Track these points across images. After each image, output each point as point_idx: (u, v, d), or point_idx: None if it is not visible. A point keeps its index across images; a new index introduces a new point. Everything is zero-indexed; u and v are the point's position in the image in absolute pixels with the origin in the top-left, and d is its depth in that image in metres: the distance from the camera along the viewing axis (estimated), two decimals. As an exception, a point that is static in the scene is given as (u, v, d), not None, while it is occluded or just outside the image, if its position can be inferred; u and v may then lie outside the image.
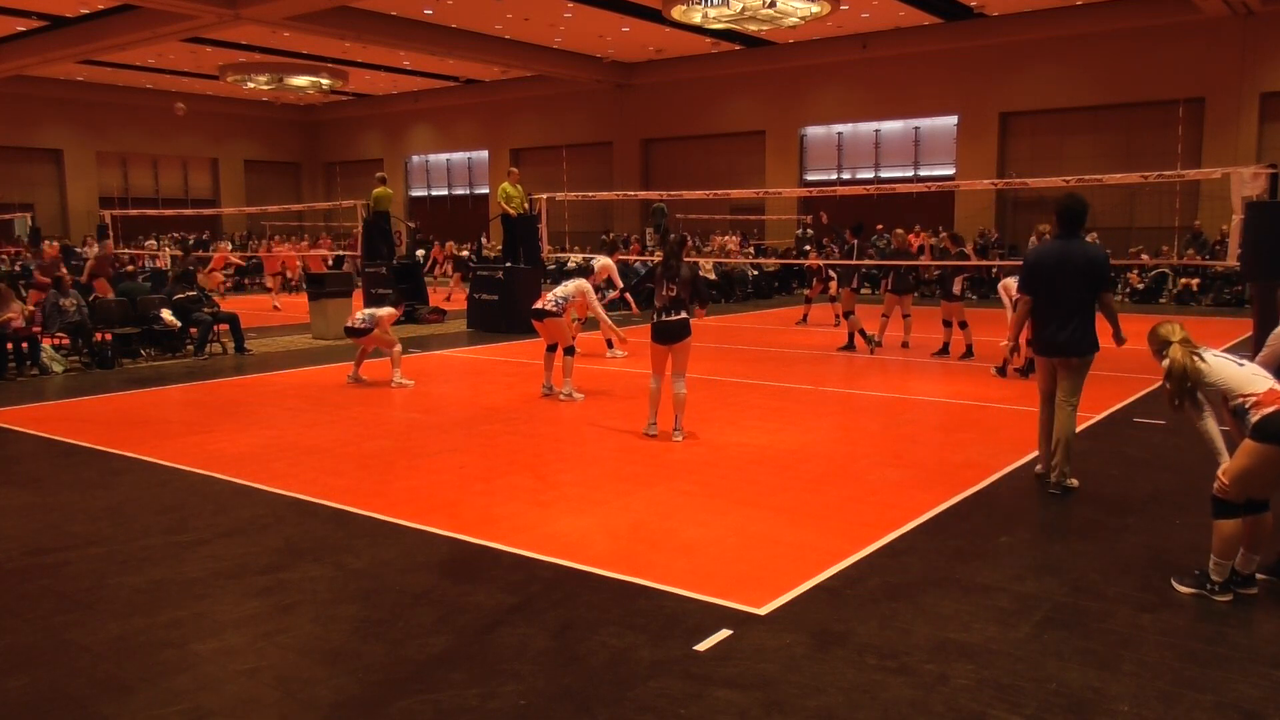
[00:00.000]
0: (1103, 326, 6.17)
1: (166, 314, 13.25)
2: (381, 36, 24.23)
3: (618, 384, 10.59)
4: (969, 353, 12.21)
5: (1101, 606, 4.42)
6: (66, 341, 12.57)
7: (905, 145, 27.06)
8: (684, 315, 7.74)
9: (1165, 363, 4.57)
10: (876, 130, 27.49)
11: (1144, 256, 21.09)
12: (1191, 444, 6.42)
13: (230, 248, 28.86)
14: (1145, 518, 5.73)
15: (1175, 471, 6.75)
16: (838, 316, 14.81)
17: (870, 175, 27.55)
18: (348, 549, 5.30)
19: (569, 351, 9.70)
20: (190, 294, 13.84)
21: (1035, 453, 7.19)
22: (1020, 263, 6.97)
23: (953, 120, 25.96)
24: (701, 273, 22.19)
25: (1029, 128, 25.01)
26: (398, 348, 10.70)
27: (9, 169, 31.93)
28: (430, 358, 13.13)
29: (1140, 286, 20.57)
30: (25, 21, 24.10)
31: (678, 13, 20.14)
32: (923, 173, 26.62)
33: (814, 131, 28.53)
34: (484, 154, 35.79)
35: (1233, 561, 4.47)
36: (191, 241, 28.42)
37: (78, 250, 25.48)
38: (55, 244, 23.55)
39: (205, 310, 13.68)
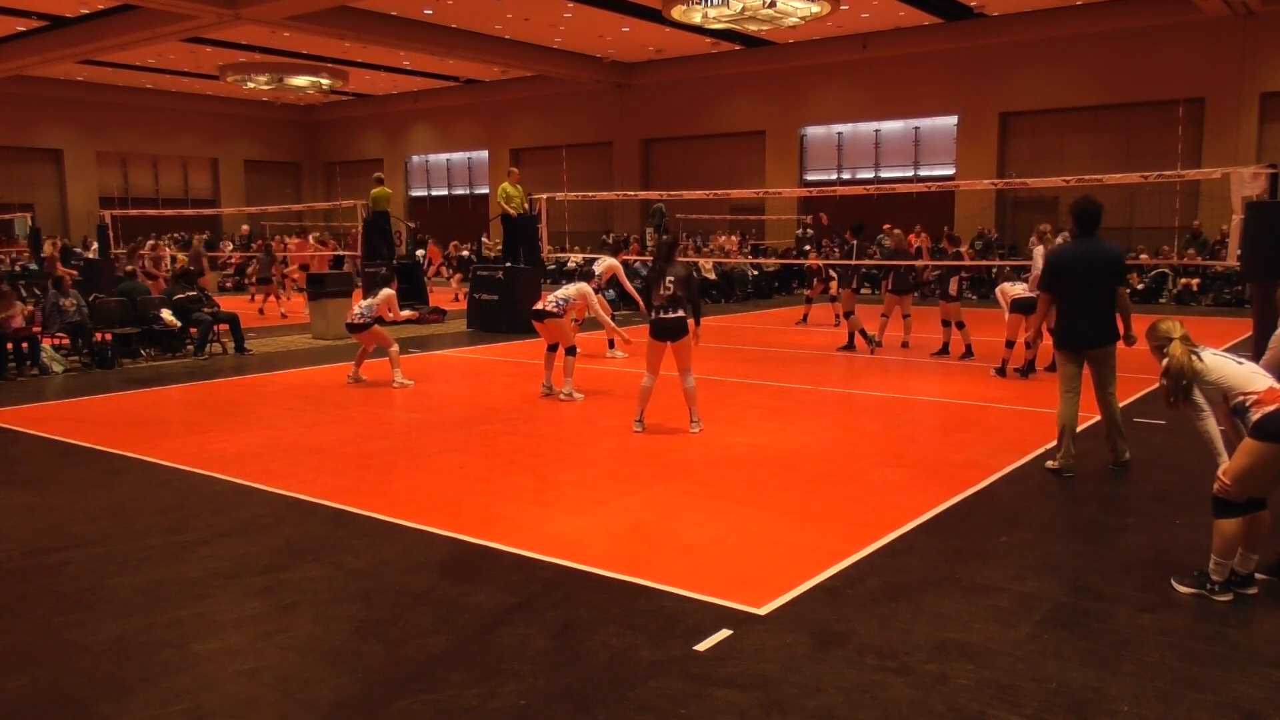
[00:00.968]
0: None
1: (166, 314, 13.25)
2: (381, 36, 24.23)
3: (618, 384, 10.59)
4: (969, 353, 12.21)
5: (1101, 606, 4.42)
6: (66, 341, 12.58)
7: (905, 145, 27.06)
8: (681, 313, 7.82)
9: (1164, 361, 4.56)
10: (876, 130, 27.48)
11: (1144, 256, 21.09)
12: (1191, 444, 6.42)
13: (231, 247, 28.92)
14: (1145, 518, 5.73)
15: (1175, 471, 6.75)
16: (838, 316, 14.82)
17: (870, 175, 27.55)
18: (348, 549, 5.30)
19: (570, 351, 9.71)
20: (190, 294, 13.84)
21: (1036, 452, 7.22)
22: (1020, 262, 7.09)
23: (953, 120, 25.96)
24: (703, 273, 22.26)
25: (1029, 128, 25.01)
26: (395, 348, 10.69)
27: (9, 169, 31.93)
28: (430, 358, 13.12)
29: (1140, 286, 20.55)
30: (25, 21, 24.09)
31: (678, 13, 20.14)
32: (923, 173, 26.62)
33: (814, 131, 28.53)
34: (484, 154, 35.79)
35: (1233, 561, 4.47)
36: (206, 237, 28.46)
37: (77, 250, 25.48)
38: (57, 242, 23.58)
39: (205, 310, 13.68)
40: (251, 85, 30.14)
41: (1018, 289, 10.72)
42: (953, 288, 12.40)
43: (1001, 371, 10.83)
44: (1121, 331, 6.55)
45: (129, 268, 18.12)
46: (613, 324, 11.12)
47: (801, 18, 20.22)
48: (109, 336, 12.64)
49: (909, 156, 27.03)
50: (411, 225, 27.73)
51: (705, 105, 29.77)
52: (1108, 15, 22.45)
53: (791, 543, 5.34)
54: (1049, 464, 6.79)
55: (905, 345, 13.25)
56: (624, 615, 4.34)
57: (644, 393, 8.15)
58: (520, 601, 4.52)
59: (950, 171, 25.76)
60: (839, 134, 28.11)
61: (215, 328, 13.63)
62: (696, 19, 20.29)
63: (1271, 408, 4.25)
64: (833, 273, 15.37)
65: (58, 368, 12.01)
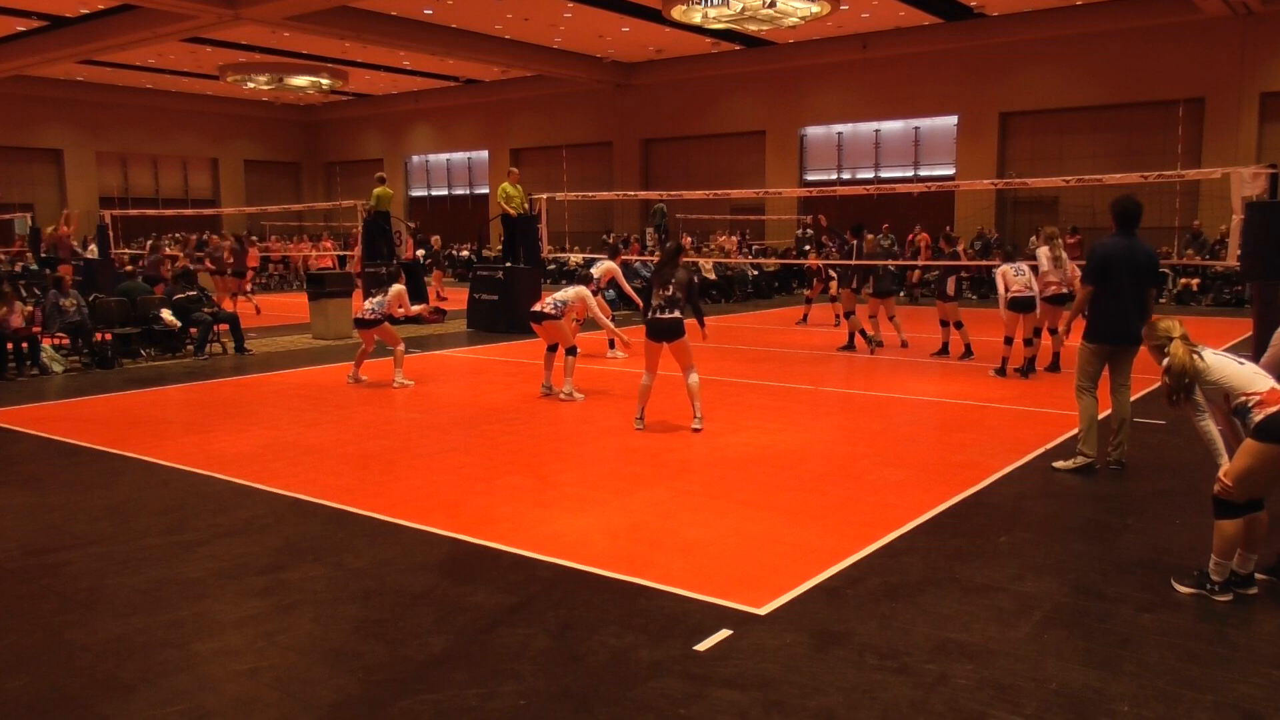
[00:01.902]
0: None
1: (166, 314, 13.25)
2: (381, 36, 24.23)
3: (618, 384, 10.58)
4: (968, 353, 12.21)
5: (1101, 606, 4.42)
6: (66, 341, 12.57)
7: (905, 145, 27.06)
8: (677, 314, 7.93)
9: (1165, 361, 4.56)
10: (876, 130, 27.48)
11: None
12: (1191, 444, 6.42)
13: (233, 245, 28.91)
14: (1145, 518, 5.73)
15: (1175, 471, 6.75)
16: (838, 316, 14.81)
17: (870, 175, 27.56)
18: (348, 549, 5.30)
19: (571, 351, 9.72)
20: (190, 294, 13.84)
21: (1036, 452, 7.22)
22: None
23: (953, 120, 25.96)
24: (702, 273, 22.26)
25: (1029, 128, 25.01)
26: (401, 347, 10.67)
27: (9, 169, 31.93)
28: (430, 358, 13.12)
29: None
30: (25, 21, 24.09)
31: (678, 13, 20.14)
32: (923, 173, 26.62)
33: (814, 131, 28.53)
34: (484, 154, 35.79)
35: (1232, 561, 4.47)
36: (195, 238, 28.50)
37: (75, 247, 25.42)
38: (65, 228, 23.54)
39: (205, 310, 13.68)
40: (251, 85, 30.14)
41: (1018, 283, 10.69)
42: (950, 287, 12.40)
43: (1001, 371, 10.83)
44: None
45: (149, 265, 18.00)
46: (612, 325, 11.13)
47: (801, 18, 20.22)
48: (109, 336, 12.64)
49: (909, 156, 27.03)
50: (411, 225, 27.73)
51: (705, 105, 29.77)
52: (1107, 15, 22.45)
53: (791, 543, 5.34)
54: (1059, 464, 6.77)
55: (904, 345, 13.25)
56: (624, 615, 4.34)
57: (643, 391, 8.24)
58: (520, 601, 4.52)
59: (950, 171, 25.76)
60: (839, 134, 28.11)
61: (215, 328, 13.64)
62: (696, 19, 20.29)
63: (1273, 409, 4.25)
64: (832, 273, 15.37)
65: (58, 368, 12.01)
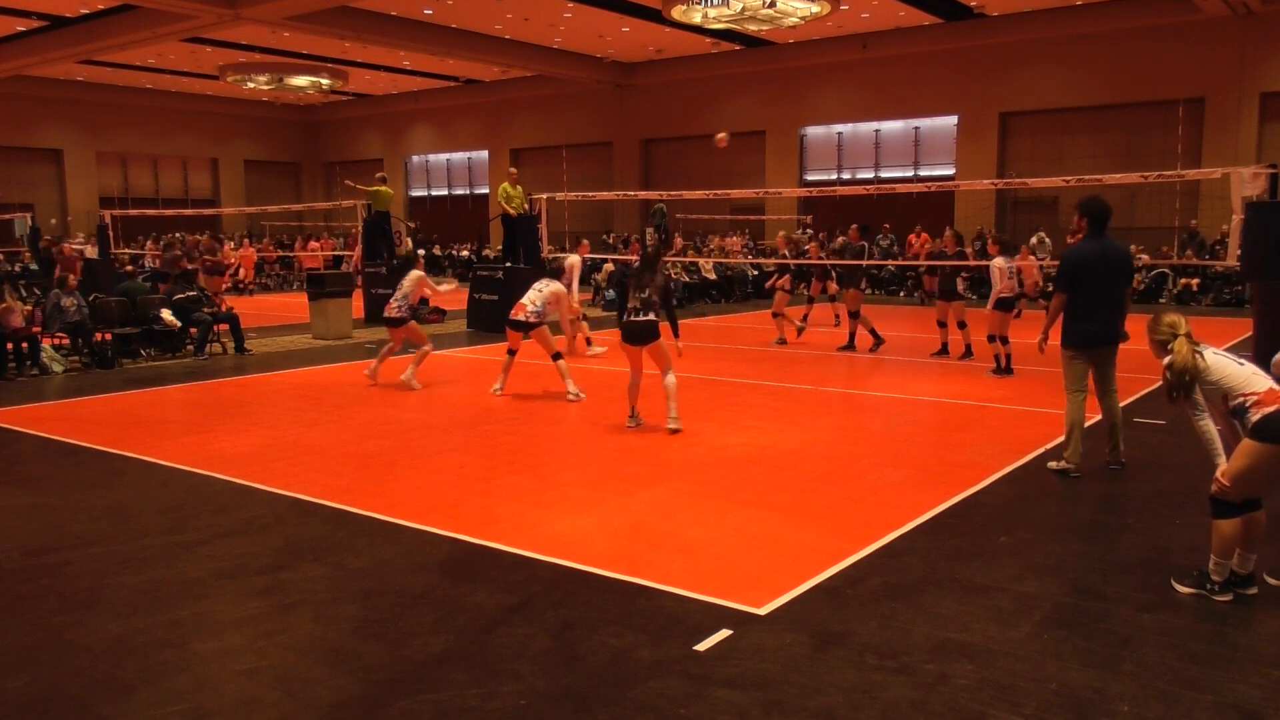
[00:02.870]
0: None
1: (166, 314, 13.25)
2: (381, 36, 24.22)
3: (618, 384, 10.58)
4: (968, 353, 12.21)
5: (1101, 606, 4.42)
6: (66, 341, 12.57)
7: (905, 145, 27.06)
8: (652, 317, 7.90)
9: (1167, 359, 4.55)
10: (876, 130, 27.48)
11: (1144, 257, 21.09)
12: (1191, 444, 6.41)
13: (233, 246, 28.96)
14: (1145, 518, 5.73)
15: (1175, 471, 6.75)
16: (837, 316, 14.80)
17: (870, 175, 27.55)
18: (348, 549, 5.30)
19: (556, 356, 9.73)
20: (190, 294, 13.84)
21: (1036, 452, 7.22)
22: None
23: (953, 120, 25.96)
24: (703, 273, 22.26)
25: (1029, 128, 25.00)
26: (427, 347, 10.57)
27: (9, 169, 31.92)
28: (430, 358, 13.07)
29: (1140, 287, 20.56)
30: (25, 21, 24.09)
31: (678, 13, 20.14)
32: (923, 173, 26.61)
33: (814, 131, 28.52)
34: (484, 154, 35.78)
35: (1232, 561, 4.47)
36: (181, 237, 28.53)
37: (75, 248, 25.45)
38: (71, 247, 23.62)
39: (205, 310, 13.68)
40: (251, 85, 30.13)
41: (1007, 282, 10.71)
42: (959, 287, 12.44)
43: (999, 370, 10.82)
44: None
45: (187, 265, 17.95)
46: (569, 322, 11.00)
47: (801, 18, 20.21)
48: (109, 336, 12.64)
49: (909, 156, 27.02)
50: (411, 225, 27.75)
51: (705, 105, 29.76)
52: (1108, 15, 22.45)
53: (791, 543, 5.34)
54: (1052, 464, 6.78)
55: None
56: (624, 615, 4.34)
57: (632, 389, 8.30)
58: (520, 601, 4.52)
59: (950, 171, 25.75)
60: (839, 134, 28.10)
61: (215, 328, 13.63)
62: (696, 19, 20.28)
63: (1271, 409, 4.25)
64: (833, 272, 15.38)
65: (58, 368, 12.01)
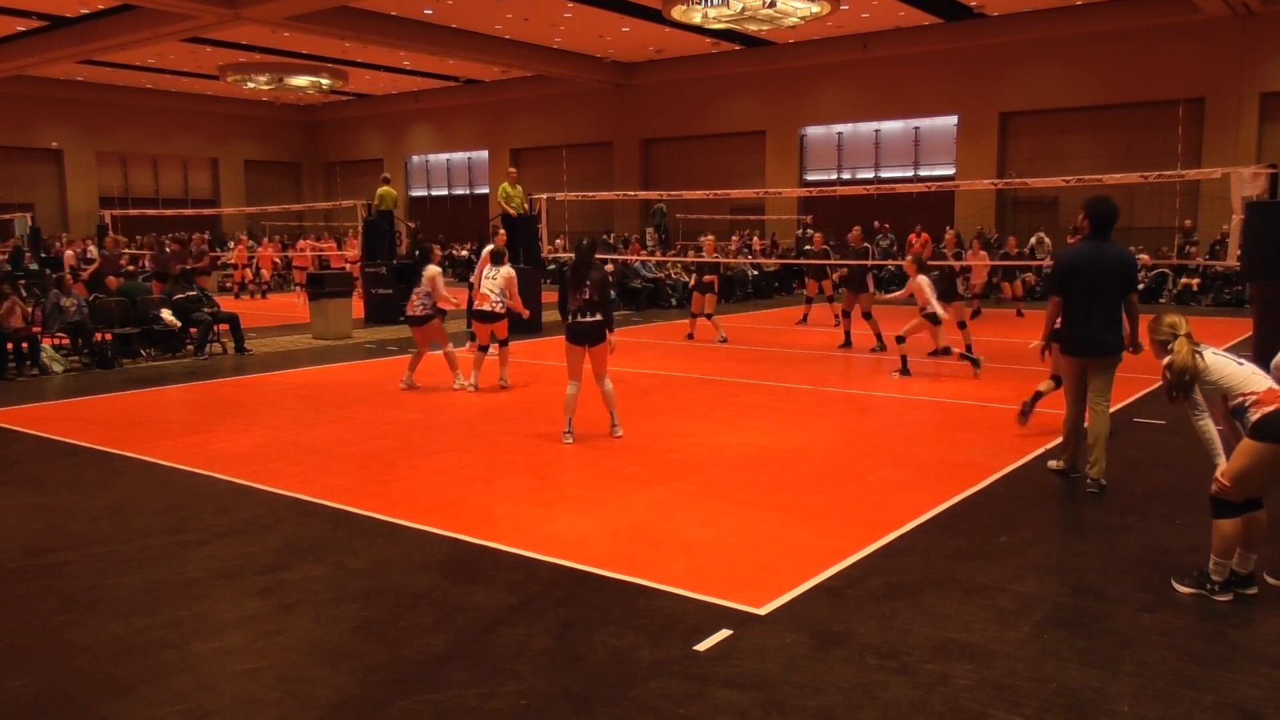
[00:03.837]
0: None
1: (166, 314, 13.25)
2: (381, 36, 24.23)
3: (618, 383, 10.56)
4: (969, 352, 12.19)
5: (1101, 606, 4.42)
6: (66, 341, 12.58)
7: (905, 145, 27.07)
8: (598, 317, 7.72)
9: (1167, 359, 4.56)
10: (876, 130, 27.48)
11: (1144, 257, 21.08)
12: (1191, 444, 6.40)
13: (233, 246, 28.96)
14: (1145, 518, 5.73)
15: (1175, 471, 6.75)
16: (837, 316, 14.81)
17: (870, 175, 27.55)
18: (348, 549, 5.30)
19: (504, 344, 10.24)
20: (190, 294, 13.84)
21: (1036, 452, 7.22)
22: (1020, 263, 7.00)
23: (953, 120, 25.97)
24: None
25: (1029, 128, 25.01)
26: (449, 346, 10.46)
27: (9, 169, 31.93)
28: (430, 358, 13.08)
29: (1140, 287, 20.54)
30: (25, 21, 24.09)
31: (678, 13, 20.14)
32: (923, 173, 26.62)
33: (814, 131, 28.53)
34: (484, 154, 35.79)
35: (1232, 561, 4.47)
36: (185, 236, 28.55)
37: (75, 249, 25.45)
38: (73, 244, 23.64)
39: (205, 310, 13.68)
40: (251, 85, 30.14)
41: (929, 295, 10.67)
42: (960, 287, 12.44)
43: (974, 361, 10.81)
44: (1128, 339, 6.22)
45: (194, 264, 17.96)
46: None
47: (801, 18, 20.22)
48: (109, 336, 12.64)
49: (909, 156, 27.03)
50: (412, 225, 27.74)
51: (705, 105, 29.77)
52: (1108, 15, 22.45)
53: (791, 543, 5.34)
54: (1051, 464, 6.73)
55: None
56: (624, 615, 4.34)
57: (569, 401, 7.86)
58: (520, 601, 4.52)
59: (950, 171, 25.76)
60: (839, 134, 28.11)
61: (215, 328, 13.63)
62: (696, 19, 20.28)
63: (1271, 408, 4.25)
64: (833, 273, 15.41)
65: (58, 368, 12.01)
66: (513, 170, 18.13)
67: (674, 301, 20.64)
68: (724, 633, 4.13)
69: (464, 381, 10.21)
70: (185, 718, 3.52)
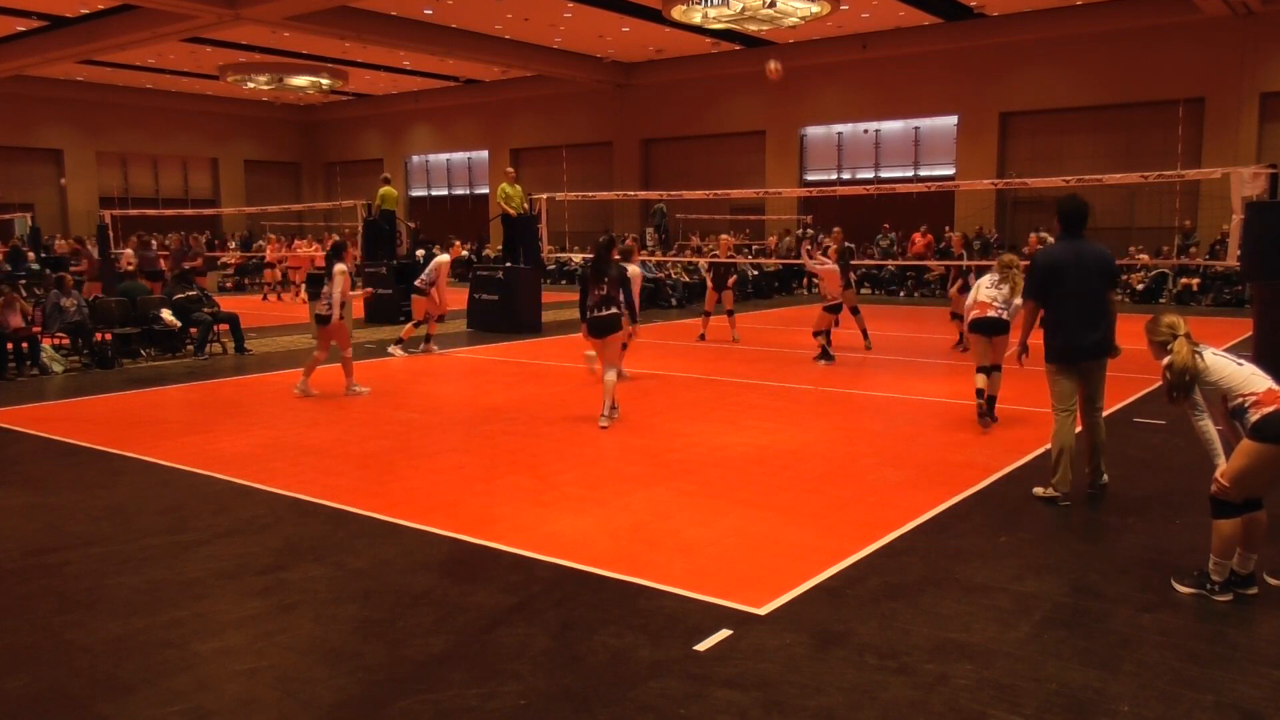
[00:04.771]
0: None
1: (166, 314, 13.25)
2: (381, 36, 24.23)
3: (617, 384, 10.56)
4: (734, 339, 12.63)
5: (1101, 606, 4.42)
6: (66, 341, 12.57)
7: (905, 145, 27.06)
8: (614, 310, 8.21)
9: (1167, 359, 4.56)
10: (876, 130, 27.48)
11: (1144, 257, 21.10)
12: (1191, 444, 6.40)
13: (233, 246, 28.96)
14: (1145, 518, 5.73)
15: (1175, 471, 6.75)
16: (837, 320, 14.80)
17: (870, 175, 27.55)
18: (348, 549, 5.30)
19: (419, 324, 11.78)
20: (190, 294, 13.84)
21: (1036, 452, 7.20)
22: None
23: (953, 120, 25.96)
24: (702, 273, 22.23)
25: (1029, 128, 25.00)
26: (347, 352, 10.18)
27: (9, 169, 31.92)
28: (430, 358, 13.11)
29: (1140, 287, 20.56)
30: (25, 21, 24.09)
31: (678, 13, 20.14)
32: (923, 173, 26.61)
33: (814, 131, 28.52)
34: (484, 154, 35.78)
35: (1232, 561, 4.47)
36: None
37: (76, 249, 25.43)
38: (70, 242, 23.58)
39: (205, 310, 13.67)
40: (251, 85, 30.13)
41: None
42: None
43: (823, 357, 11.69)
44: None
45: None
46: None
47: (801, 18, 20.21)
48: (109, 336, 12.64)
49: (909, 156, 27.02)
50: (412, 225, 27.73)
51: (705, 105, 29.76)
52: (1108, 15, 22.45)
53: (791, 543, 5.34)
54: (1038, 490, 6.14)
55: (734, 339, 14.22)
56: (624, 615, 4.34)
57: (607, 386, 8.47)
58: (520, 601, 4.52)
59: (950, 171, 25.75)
60: (839, 134, 28.10)
61: (215, 328, 13.63)
62: (696, 19, 20.28)
63: (1270, 409, 4.25)
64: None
65: (58, 368, 12.01)
66: (510, 170, 18.12)
67: (674, 301, 20.63)
68: (724, 633, 4.13)
69: (307, 389, 9.95)
70: (185, 718, 3.52)
